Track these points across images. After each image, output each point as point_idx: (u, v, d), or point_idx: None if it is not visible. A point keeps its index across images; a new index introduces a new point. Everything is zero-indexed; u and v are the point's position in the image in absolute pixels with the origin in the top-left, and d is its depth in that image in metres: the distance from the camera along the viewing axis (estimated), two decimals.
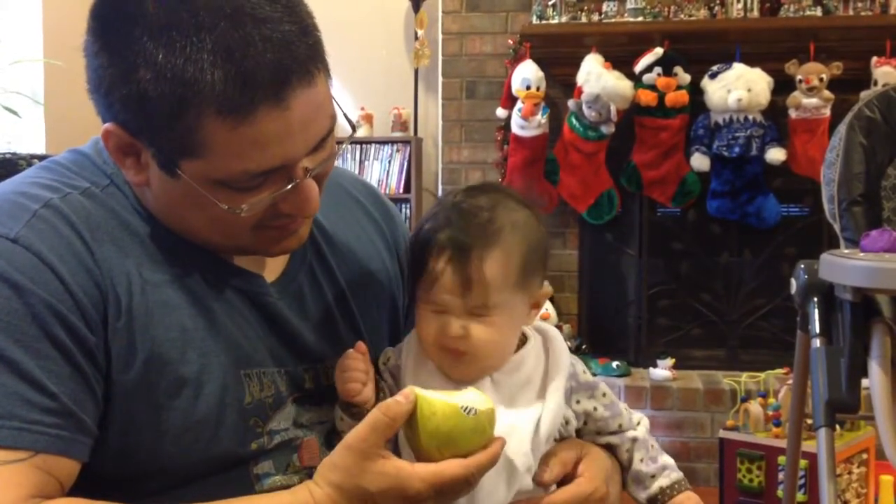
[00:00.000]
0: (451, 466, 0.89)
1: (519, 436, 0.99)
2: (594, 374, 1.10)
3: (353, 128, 1.01)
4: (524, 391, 1.03)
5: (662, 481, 1.10)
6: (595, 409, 1.07)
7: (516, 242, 1.01)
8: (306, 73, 0.87)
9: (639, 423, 1.11)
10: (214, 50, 0.83)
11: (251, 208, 0.90)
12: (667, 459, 1.12)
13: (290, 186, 0.91)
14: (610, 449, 1.10)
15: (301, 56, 0.86)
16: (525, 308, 1.04)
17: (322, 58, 0.90)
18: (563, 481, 1.05)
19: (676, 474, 1.11)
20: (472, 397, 0.92)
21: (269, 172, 0.89)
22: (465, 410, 0.90)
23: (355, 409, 1.00)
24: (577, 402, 1.06)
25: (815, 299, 1.54)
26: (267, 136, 0.86)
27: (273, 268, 1.04)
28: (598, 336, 4.02)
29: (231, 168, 0.88)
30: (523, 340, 1.07)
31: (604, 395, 1.08)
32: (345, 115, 0.96)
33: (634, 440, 1.10)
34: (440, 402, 0.91)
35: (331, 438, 1.04)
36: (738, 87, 3.53)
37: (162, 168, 0.90)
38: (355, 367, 1.01)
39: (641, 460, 1.10)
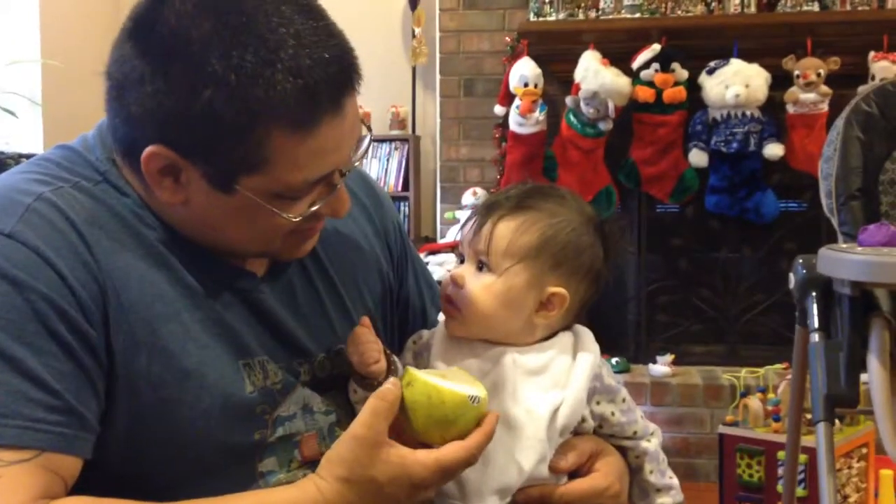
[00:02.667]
0: (453, 450, 0.92)
1: (535, 422, 1.01)
2: None
3: (369, 129, 1.04)
4: (540, 376, 1.04)
5: (666, 500, 1.12)
6: (612, 413, 1.08)
7: (540, 224, 1.04)
8: (353, 82, 0.92)
9: (653, 434, 1.12)
10: (284, 67, 0.86)
11: (302, 215, 0.94)
12: (673, 479, 1.13)
13: (333, 190, 0.96)
14: (620, 451, 1.11)
15: (350, 66, 0.92)
16: (529, 296, 1.05)
17: (359, 66, 0.94)
18: (576, 474, 1.06)
19: (679, 497, 1.13)
20: (467, 382, 0.96)
21: (322, 179, 0.93)
22: (471, 399, 0.93)
23: (367, 381, 1.03)
24: (598, 403, 1.07)
25: (814, 294, 1.53)
26: (328, 145, 0.91)
27: (261, 263, 1.05)
28: (597, 332, 3.92)
29: (292, 179, 0.91)
30: (553, 334, 1.08)
31: (623, 400, 1.09)
32: (361, 119, 0.99)
33: (646, 451, 1.11)
34: (448, 390, 0.93)
35: (332, 430, 1.05)
36: (735, 82, 3.53)
37: (215, 186, 0.91)
38: (367, 338, 1.03)
39: (651, 472, 1.11)
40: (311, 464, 1.00)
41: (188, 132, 0.88)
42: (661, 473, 1.12)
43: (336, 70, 0.89)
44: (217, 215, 0.95)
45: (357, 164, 1.00)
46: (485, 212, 1.06)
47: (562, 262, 1.06)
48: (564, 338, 1.08)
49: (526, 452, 1.00)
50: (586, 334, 1.10)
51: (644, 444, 1.11)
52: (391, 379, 0.95)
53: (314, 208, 0.95)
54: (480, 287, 1.04)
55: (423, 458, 0.91)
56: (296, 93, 0.87)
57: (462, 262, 1.08)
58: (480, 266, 1.05)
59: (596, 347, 1.09)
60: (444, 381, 0.94)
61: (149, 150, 0.90)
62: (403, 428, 0.94)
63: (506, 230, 1.04)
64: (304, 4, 0.91)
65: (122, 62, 0.90)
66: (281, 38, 0.87)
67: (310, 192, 0.94)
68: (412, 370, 0.96)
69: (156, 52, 0.88)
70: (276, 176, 0.90)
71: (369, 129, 1.04)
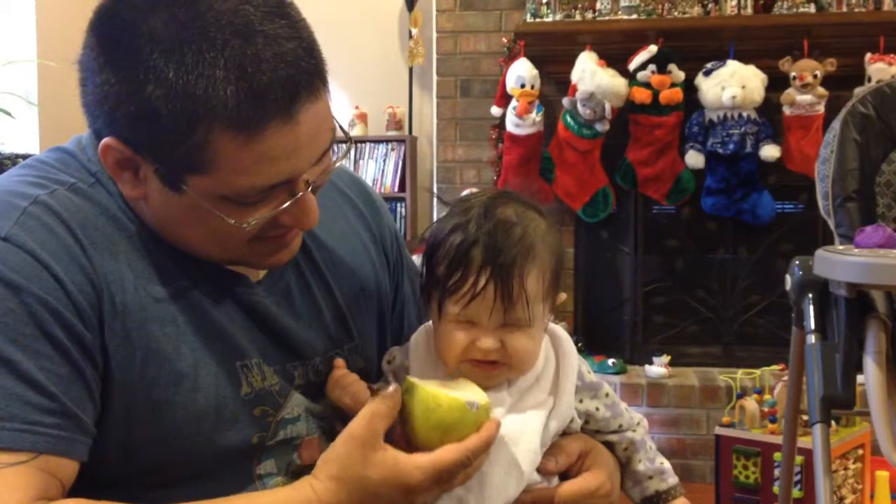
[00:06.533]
0: (447, 453, 0.91)
1: (530, 434, 1.01)
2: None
3: (350, 139, 1.02)
4: (534, 390, 1.04)
5: (660, 485, 1.12)
6: (597, 409, 1.08)
7: (547, 255, 1.01)
8: (313, 89, 0.88)
9: (638, 424, 1.12)
10: (227, 66, 0.84)
11: (256, 222, 0.91)
12: (664, 463, 1.13)
13: (292, 200, 0.92)
14: (608, 446, 1.11)
15: (309, 72, 0.88)
16: (547, 313, 1.04)
17: (325, 73, 0.91)
18: (566, 475, 1.06)
19: (673, 479, 1.13)
20: (470, 391, 0.95)
21: (274, 187, 0.90)
22: (469, 405, 0.92)
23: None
24: (581, 401, 1.07)
25: (810, 295, 1.54)
26: (276, 152, 0.87)
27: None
28: (593, 333, 4.03)
29: (239, 183, 0.88)
30: None
31: (606, 395, 1.09)
32: (341, 127, 0.97)
33: (633, 441, 1.11)
34: (445, 395, 0.93)
35: (331, 435, 1.05)
36: (732, 84, 3.54)
37: (165, 183, 0.90)
38: (350, 379, 1.02)
39: (640, 461, 1.12)
40: (311, 467, 1.00)
41: (134, 127, 0.87)
42: (650, 461, 1.12)
43: (288, 74, 0.85)
44: (171, 215, 0.93)
45: (328, 173, 0.97)
46: (498, 271, 0.97)
47: (561, 272, 1.05)
48: (544, 342, 1.07)
49: (522, 465, 1.00)
50: (562, 335, 1.09)
51: (630, 434, 1.11)
52: (393, 385, 0.94)
53: (272, 214, 0.92)
54: (527, 340, 1.00)
55: (417, 460, 0.91)
56: (238, 94, 0.84)
57: (466, 322, 0.99)
58: (510, 324, 0.99)
59: (574, 347, 1.09)
60: (444, 389, 0.94)
61: (104, 141, 0.90)
62: (404, 437, 0.94)
63: (534, 283, 0.99)
64: (272, 4, 0.88)
65: (85, 52, 0.90)
66: (228, 37, 0.84)
67: (264, 199, 0.91)
68: (412, 378, 0.96)
69: (108, 43, 0.88)
70: (222, 179, 0.88)
71: (349, 137, 1.02)
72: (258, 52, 0.84)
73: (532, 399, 1.03)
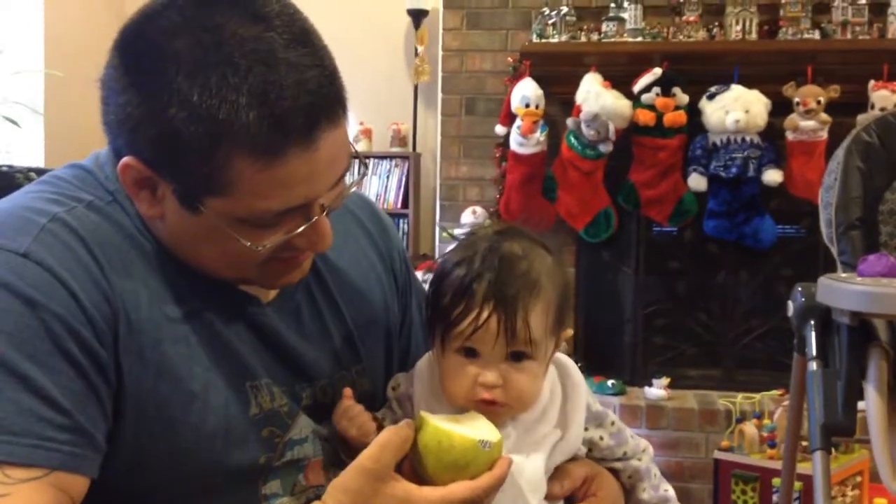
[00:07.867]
0: (459, 489, 0.91)
1: (534, 464, 1.00)
2: None
3: (363, 163, 1.03)
4: (540, 423, 1.03)
5: None
6: (601, 438, 1.08)
7: (552, 291, 1.01)
8: (334, 116, 0.89)
9: (644, 451, 1.12)
10: (250, 92, 0.84)
11: (271, 245, 0.92)
12: (668, 490, 1.13)
13: (307, 224, 0.93)
14: (612, 473, 1.11)
15: (330, 99, 0.89)
16: (552, 350, 1.04)
17: (345, 100, 0.92)
18: (570, 500, 1.06)
19: None
20: (482, 427, 0.95)
21: (291, 210, 0.91)
22: (482, 444, 0.92)
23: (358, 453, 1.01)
24: (585, 429, 1.07)
25: (812, 322, 1.54)
26: (295, 177, 0.88)
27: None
28: (593, 354, 4.02)
29: (256, 207, 0.89)
30: None
31: (612, 424, 1.09)
32: (357, 153, 0.98)
33: (638, 469, 1.11)
34: (458, 434, 0.93)
35: (336, 457, 1.05)
36: (735, 108, 3.55)
37: (183, 204, 0.91)
38: (357, 409, 1.02)
39: (644, 490, 1.11)
40: (316, 488, 1.00)
41: (154, 147, 0.88)
42: (654, 489, 1.12)
43: (309, 101, 0.87)
44: (187, 234, 0.94)
45: (343, 197, 0.98)
46: (503, 304, 0.97)
47: (569, 310, 1.05)
48: (550, 373, 1.06)
49: (529, 493, 1.00)
50: (569, 364, 1.09)
51: (635, 463, 1.11)
52: (405, 420, 0.95)
53: (286, 237, 0.93)
54: (530, 380, 1.00)
55: (428, 494, 0.91)
56: (260, 120, 0.85)
57: (471, 355, 0.99)
58: (517, 357, 0.99)
59: (582, 378, 1.08)
60: (456, 426, 0.94)
61: (124, 161, 0.91)
62: (416, 471, 0.94)
63: (538, 318, 0.98)
64: (296, 32, 0.89)
65: (108, 71, 0.91)
66: (251, 64, 0.85)
67: (280, 222, 0.92)
68: (424, 414, 0.95)
69: (132, 64, 0.89)
70: (240, 202, 0.89)
71: (364, 164, 1.03)
72: (281, 79, 0.85)
73: (537, 433, 1.02)
